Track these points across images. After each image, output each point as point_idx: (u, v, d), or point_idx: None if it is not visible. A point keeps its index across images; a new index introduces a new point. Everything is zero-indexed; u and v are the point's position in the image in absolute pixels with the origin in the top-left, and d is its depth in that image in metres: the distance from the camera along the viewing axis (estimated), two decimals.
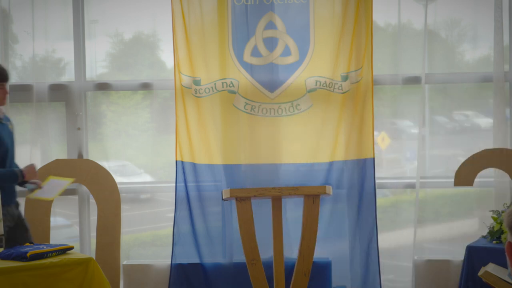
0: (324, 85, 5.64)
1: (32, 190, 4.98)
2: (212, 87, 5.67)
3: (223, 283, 5.65)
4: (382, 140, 5.99)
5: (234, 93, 5.68)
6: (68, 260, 4.36)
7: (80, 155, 5.92)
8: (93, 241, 5.86)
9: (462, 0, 5.89)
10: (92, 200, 5.76)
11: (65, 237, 6.04)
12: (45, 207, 5.62)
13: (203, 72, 5.66)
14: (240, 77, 5.67)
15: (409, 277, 5.75)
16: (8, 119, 5.06)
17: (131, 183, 6.13)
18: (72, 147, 5.97)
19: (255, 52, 5.67)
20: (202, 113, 5.66)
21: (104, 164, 5.80)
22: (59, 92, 5.95)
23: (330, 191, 4.82)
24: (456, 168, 5.55)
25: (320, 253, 5.42)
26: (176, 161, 5.64)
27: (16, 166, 5.01)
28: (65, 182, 5.14)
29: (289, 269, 4.90)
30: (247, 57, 5.67)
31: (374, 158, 5.61)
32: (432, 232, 5.89)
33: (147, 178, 6.17)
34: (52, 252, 4.38)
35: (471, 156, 5.55)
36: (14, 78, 6.02)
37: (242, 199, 4.75)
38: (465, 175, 5.53)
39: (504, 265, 4.47)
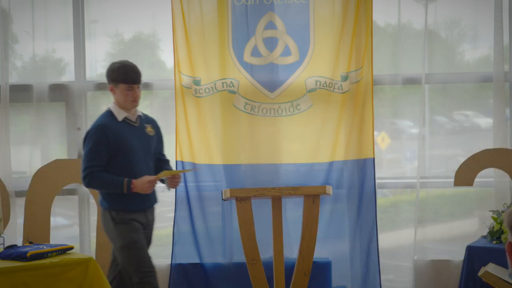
0: (324, 85, 5.64)
1: (169, 189, 4.91)
2: (212, 87, 5.67)
3: (223, 283, 5.65)
4: (382, 140, 5.99)
5: (234, 93, 5.67)
6: (68, 260, 4.36)
7: (80, 155, 5.92)
8: (93, 241, 5.86)
9: (462, 0, 5.89)
10: (92, 200, 5.76)
11: (65, 237, 6.03)
12: (45, 207, 5.61)
13: (203, 72, 5.66)
14: (240, 77, 5.66)
15: (409, 277, 5.75)
16: (149, 121, 4.87)
17: None
18: (72, 147, 5.96)
19: (255, 52, 5.67)
20: (202, 113, 5.66)
21: None
22: (59, 92, 5.94)
23: (330, 191, 4.81)
24: (456, 168, 5.55)
25: (320, 253, 5.41)
26: (176, 161, 5.63)
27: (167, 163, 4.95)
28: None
29: (289, 269, 4.89)
30: (247, 57, 5.67)
31: (374, 158, 5.61)
32: (432, 232, 5.88)
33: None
34: (52, 252, 4.38)
35: (471, 156, 5.55)
36: (14, 78, 6.02)
37: (242, 199, 4.75)
38: (465, 175, 5.53)
39: (504, 265, 4.48)
